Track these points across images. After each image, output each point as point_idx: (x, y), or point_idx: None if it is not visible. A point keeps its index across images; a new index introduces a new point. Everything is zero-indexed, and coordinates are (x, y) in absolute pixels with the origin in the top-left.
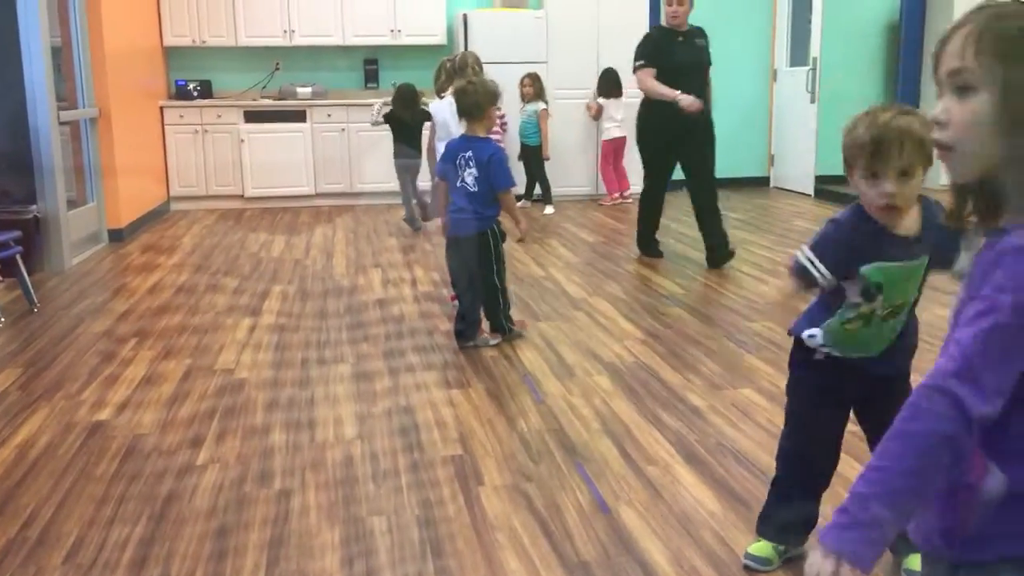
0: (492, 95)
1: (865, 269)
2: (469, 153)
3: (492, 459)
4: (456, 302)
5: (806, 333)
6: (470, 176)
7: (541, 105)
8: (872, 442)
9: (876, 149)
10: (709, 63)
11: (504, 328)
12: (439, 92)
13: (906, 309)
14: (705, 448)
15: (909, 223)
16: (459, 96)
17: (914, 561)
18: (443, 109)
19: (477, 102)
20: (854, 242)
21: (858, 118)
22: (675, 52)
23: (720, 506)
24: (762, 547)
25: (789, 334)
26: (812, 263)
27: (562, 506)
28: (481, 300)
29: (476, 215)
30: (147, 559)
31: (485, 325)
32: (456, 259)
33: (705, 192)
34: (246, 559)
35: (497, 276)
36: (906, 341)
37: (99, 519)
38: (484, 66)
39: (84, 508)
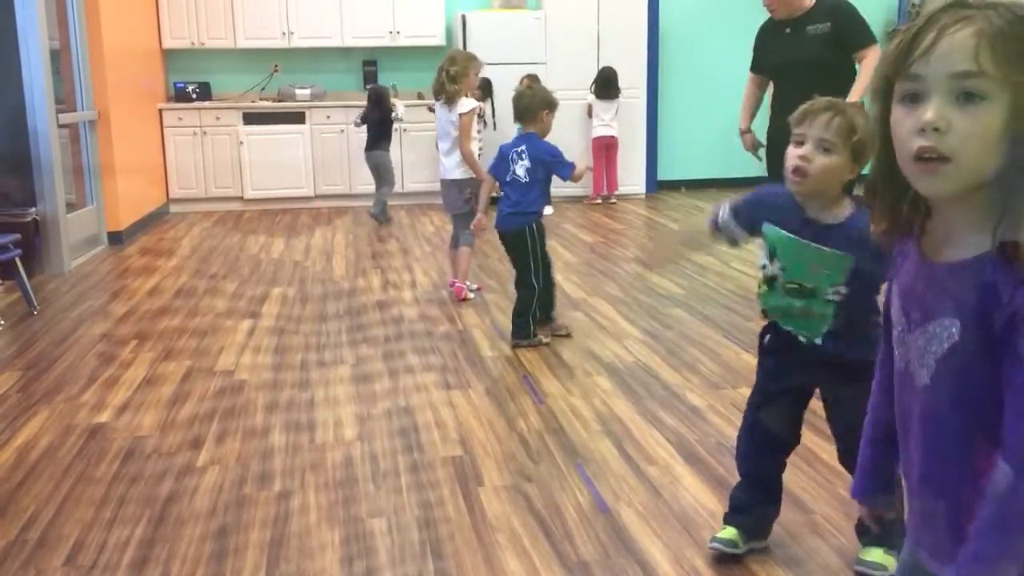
0: (544, 102)
1: (765, 226)
2: (523, 147)
3: (492, 460)
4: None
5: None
6: (522, 168)
7: None
8: (834, 430)
9: (803, 115)
10: (826, 54)
11: (529, 332)
12: (436, 96)
13: (819, 298)
14: (705, 448)
15: (828, 211)
16: (514, 101)
17: (868, 554)
18: (438, 112)
19: (527, 106)
20: (768, 200)
21: None
22: (777, 49)
23: (720, 506)
24: (728, 531)
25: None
26: (725, 217)
27: (562, 506)
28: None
29: (520, 211)
30: (147, 560)
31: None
32: (507, 252)
33: None
34: (246, 560)
35: (535, 276)
36: (854, 327)
37: (99, 521)
38: (479, 63)
39: (84, 510)
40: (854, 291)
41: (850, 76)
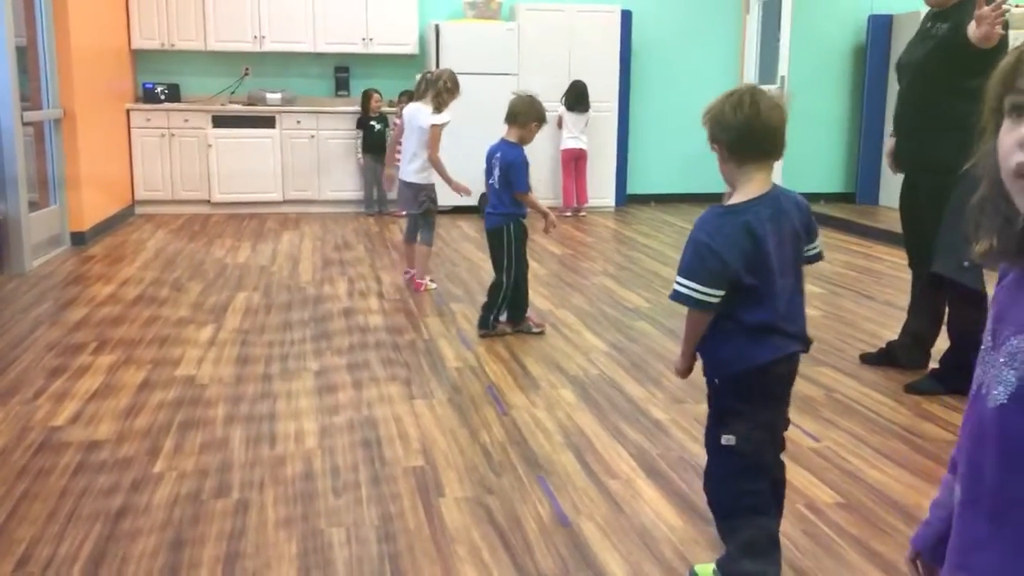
0: (539, 114)
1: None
2: (499, 154)
3: (454, 471)
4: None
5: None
6: (495, 174)
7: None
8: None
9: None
10: (934, 62)
11: (489, 324)
12: (419, 97)
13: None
14: (667, 462)
15: None
16: (511, 103)
17: None
18: (413, 113)
19: (521, 112)
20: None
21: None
22: (908, 47)
23: (680, 521)
24: (710, 568)
25: (705, 377)
26: (695, 290)
27: (523, 519)
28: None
29: (497, 211)
30: (99, 569)
31: (531, 312)
32: (489, 250)
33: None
34: (201, 571)
35: (506, 274)
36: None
37: (51, 528)
38: (458, 78)
39: (36, 516)
40: None
41: (959, 91)
